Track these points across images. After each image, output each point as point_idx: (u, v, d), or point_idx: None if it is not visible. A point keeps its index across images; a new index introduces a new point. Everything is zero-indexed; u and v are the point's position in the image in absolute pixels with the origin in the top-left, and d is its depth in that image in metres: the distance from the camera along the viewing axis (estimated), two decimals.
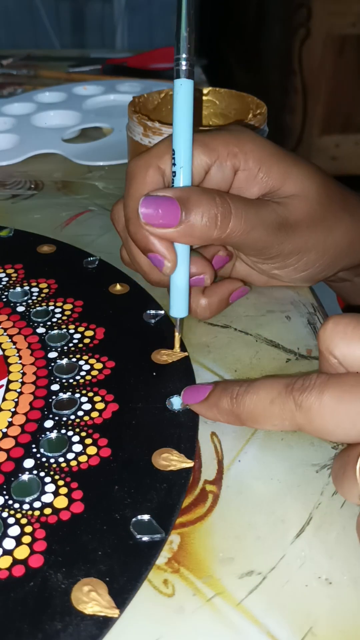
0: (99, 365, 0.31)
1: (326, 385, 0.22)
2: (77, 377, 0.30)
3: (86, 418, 0.28)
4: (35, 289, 0.37)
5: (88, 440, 0.27)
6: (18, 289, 0.37)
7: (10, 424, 0.28)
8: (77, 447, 0.27)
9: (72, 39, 1.83)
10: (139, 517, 0.24)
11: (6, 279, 0.38)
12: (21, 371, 0.31)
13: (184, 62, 0.29)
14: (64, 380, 0.30)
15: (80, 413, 0.28)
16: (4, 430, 0.27)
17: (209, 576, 0.22)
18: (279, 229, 0.30)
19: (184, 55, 0.29)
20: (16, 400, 0.29)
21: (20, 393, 0.29)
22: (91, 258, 0.40)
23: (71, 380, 0.30)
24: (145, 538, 0.23)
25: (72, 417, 0.28)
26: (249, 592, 0.21)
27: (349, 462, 0.22)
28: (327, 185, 0.32)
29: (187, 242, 0.29)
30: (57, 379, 0.30)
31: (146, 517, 0.24)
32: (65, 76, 0.82)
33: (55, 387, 0.30)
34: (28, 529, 0.23)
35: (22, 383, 0.30)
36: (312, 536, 0.23)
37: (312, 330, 0.34)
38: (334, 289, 0.43)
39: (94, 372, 0.31)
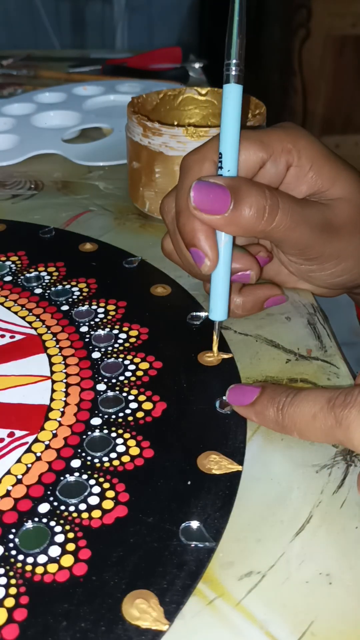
0: (145, 365, 0.31)
1: None
2: (122, 377, 0.31)
3: (131, 418, 0.28)
4: (75, 289, 0.37)
5: (131, 442, 0.27)
6: (59, 287, 0.37)
7: (60, 424, 0.28)
8: (122, 448, 0.26)
9: (72, 39, 1.83)
10: (188, 523, 0.23)
11: (48, 277, 0.39)
12: (64, 371, 0.31)
13: (234, 68, 0.29)
14: (109, 380, 0.30)
15: (127, 411, 0.28)
16: (54, 431, 0.27)
17: (209, 581, 0.22)
18: (322, 230, 0.31)
19: (234, 61, 0.29)
20: (64, 399, 0.29)
21: (67, 394, 0.29)
22: (132, 258, 0.40)
23: (116, 380, 0.30)
24: (194, 545, 0.22)
25: (121, 414, 0.28)
26: (248, 591, 0.21)
27: None
28: None
29: (233, 232, 0.30)
30: (103, 378, 0.30)
31: (195, 523, 0.23)
32: (65, 76, 0.82)
33: (101, 386, 0.30)
34: (71, 535, 0.23)
35: (67, 384, 0.30)
36: (312, 535, 0.23)
37: (312, 330, 0.34)
38: (357, 302, 0.43)
39: (140, 373, 0.31)
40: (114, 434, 0.27)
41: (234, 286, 0.34)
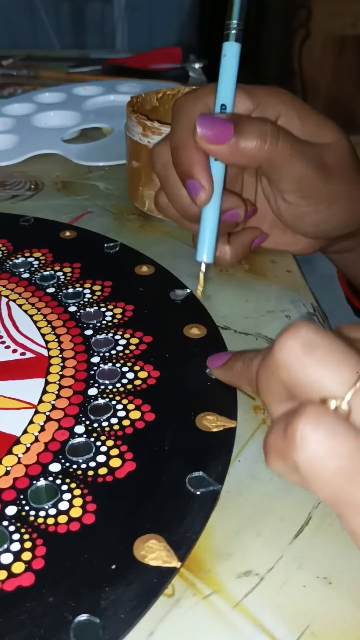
0: (135, 340, 0.33)
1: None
2: (114, 351, 0.32)
3: (129, 386, 0.29)
4: (60, 273, 0.39)
5: (131, 406, 0.28)
6: (46, 272, 0.38)
7: (58, 396, 0.29)
8: (122, 413, 0.28)
9: (72, 39, 1.83)
10: (193, 474, 0.25)
11: (36, 263, 0.40)
12: (59, 348, 0.32)
13: (234, 27, 0.31)
14: (103, 354, 0.31)
15: (124, 381, 0.30)
16: (52, 402, 0.29)
17: (207, 570, 0.22)
18: (317, 167, 0.32)
19: (234, 21, 0.31)
20: (60, 373, 0.30)
21: (64, 367, 0.31)
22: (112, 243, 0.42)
23: (110, 354, 0.32)
24: (201, 491, 0.24)
25: (118, 385, 0.29)
26: (246, 593, 0.21)
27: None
28: (352, 144, 0.34)
29: (238, 160, 0.31)
30: (97, 353, 0.31)
31: (199, 473, 0.25)
32: (65, 76, 0.82)
33: (95, 359, 0.31)
34: (77, 492, 0.24)
35: (63, 359, 0.31)
36: (311, 536, 0.23)
37: None
38: (335, 261, 0.45)
39: (132, 347, 0.32)
40: (115, 401, 0.29)
41: (223, 237, 0.35)
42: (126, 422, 0.27)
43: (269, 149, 0.30)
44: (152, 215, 0.46)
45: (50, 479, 0.25)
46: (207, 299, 0.37)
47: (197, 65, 0.86)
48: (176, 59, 0.87)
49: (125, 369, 0.31)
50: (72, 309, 0.35)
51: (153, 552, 0.22)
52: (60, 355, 0.31)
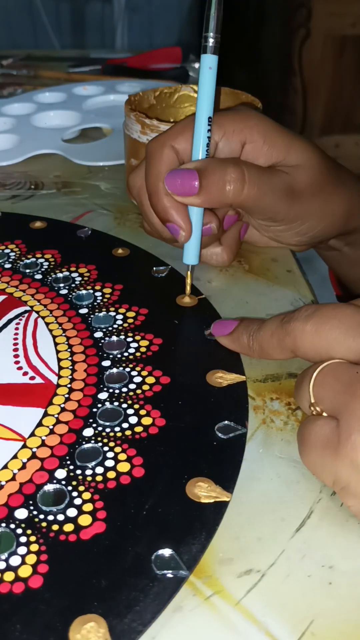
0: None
1: (310, 317, 0.26)
2: (124, 389, 0.30)
3: (128, 432, 0.27)
4: (98, 293, 0.37)
5: (142, 412, 0.28)
6: (83, 291, 0.37)
7: (51, 432, 0.27)
8: (134, 419, 0.28)
9: (72, 39, 1.83)
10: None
11: (79, 279, 0.38)
12: (70, 377, 0.30)
13: (211, 40, 0.32)
14: (113, 390, 0.30)
15: (124, 425, 0.28)
16: (43, 438, 0.27)
17: (209, 576, 0.22)
18: (287, 195, 0.34)
19: (211, 34, 0.32)
20: (62, 405, 0.29)
21: (68, 399, 0.29)
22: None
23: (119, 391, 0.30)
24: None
25: (117, 429, 0.27)
26: (247, 590, 0.21)
27: (307, 374, 0.25)
28: (325, 159, 0.36)
29: (206, 206, 0.34)
30: (107, 388, 0.30)
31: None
32: (65, 76, 0.82)
33: (103, 395, 0.29)
34: (86, 495, 0.24)
35: (70, 389, 0.30)
36: (312, 533, 0.23)
37: None
38: (324, 258, 0.47)
39: (143, 349, 0.32)
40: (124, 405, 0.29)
41: (213, 240, 0.37)
42: (111, 474, 0.25)
43: (234, 196, 0.32)
44: None
45: (13, 525, 0.23)
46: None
47: (197, 65, 0.86)
48: (176, 59, 0.87)
49: (130, 411, 0.28)
50: (98, 334, 0.33)
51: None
52: (69, 386, 0.30)
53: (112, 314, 0.35)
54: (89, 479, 0.25)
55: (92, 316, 0.35)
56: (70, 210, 0.47)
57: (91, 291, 0.37)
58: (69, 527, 0.23)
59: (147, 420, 0.28)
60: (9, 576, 0.21)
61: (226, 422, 0.27)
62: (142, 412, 0.28)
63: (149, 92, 0.48)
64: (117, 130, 0.61)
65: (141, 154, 0.43)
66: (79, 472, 0.25)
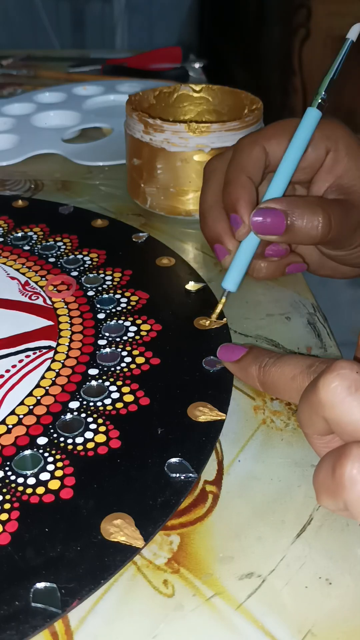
0: (146, 327, 0.34)
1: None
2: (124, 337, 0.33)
3: (125, 370, 0.31)
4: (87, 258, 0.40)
5: (125, 389, 0.29)
6: (72, 256, 0.40)
7: (58, 374, 0.30)
8: (116, 395, 0.29)
9: (72, 39, 1.83)
10: (173, 459, 0.25)
11: (63, 247, 0.42)
12: (69, 326, 0.34)
13: (321, 98, 0.34)
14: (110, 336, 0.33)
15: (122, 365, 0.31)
16: (53, 379, 0.30)
17: (209, 574, 0.22)
18: (358, 226, 0.34)
19: (323, 93, 0.34)
20: (66, 352, 0.32)
21: (70, 348, 0.32)
22: (141, 233, 0.43)
23: (118, 339, 0.33)
24: (177, 477, 0.25)
25: (117, 368, 0.31)
26: (248, 595, 0.21)
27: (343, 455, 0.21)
28: None
29: (291, 242, 0.34)
30: (105, 335, 0.33)
31: (178, 459, 0.25)
32: (65, 76, 0.82)
33: (102, 342, 0.32)
34: (59, 464, 0.26)
35: (71, 340, 0.33)
36: (313, 537, 0.23)
37: (312, 329, 0.34)
38: None
39: (143, 333, 0.33)
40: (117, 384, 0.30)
41: (259, 252, 0.36)
42: (119, 405, 0.29)
43: (321, 239, 0.32)
44: (153, 212, 0.46)
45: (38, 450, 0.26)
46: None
47: (197, 65, 0.86)
48: (176, 59, 0.87)
49: (124, 353, 0.32)
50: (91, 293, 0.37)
51: (119, 530, 0.22)
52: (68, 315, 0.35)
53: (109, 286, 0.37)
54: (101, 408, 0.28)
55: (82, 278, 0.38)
56: None
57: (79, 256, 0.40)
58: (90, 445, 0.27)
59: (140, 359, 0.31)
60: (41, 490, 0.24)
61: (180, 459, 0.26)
62: (136, 352, 0.32)
63: (149, 91, 0.48)
64: (117, 130, 0.61)
65: (144, 153, 0.43)
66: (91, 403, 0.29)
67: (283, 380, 0.26)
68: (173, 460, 0.26)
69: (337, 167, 0.34)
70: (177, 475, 0.25)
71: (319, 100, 0.34)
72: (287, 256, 0.37)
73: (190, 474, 0.25)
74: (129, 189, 0.47)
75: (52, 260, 0.40)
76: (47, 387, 0.30)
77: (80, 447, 0.26)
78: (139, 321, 0.34)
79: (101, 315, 0.34)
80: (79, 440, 0.27)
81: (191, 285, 0.37)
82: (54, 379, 0.30)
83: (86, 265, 0.39)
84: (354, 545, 0.23)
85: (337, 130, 0.34)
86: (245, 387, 0.30)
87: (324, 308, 0.37)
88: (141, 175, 0.45)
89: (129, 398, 0.29)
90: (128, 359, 0.31)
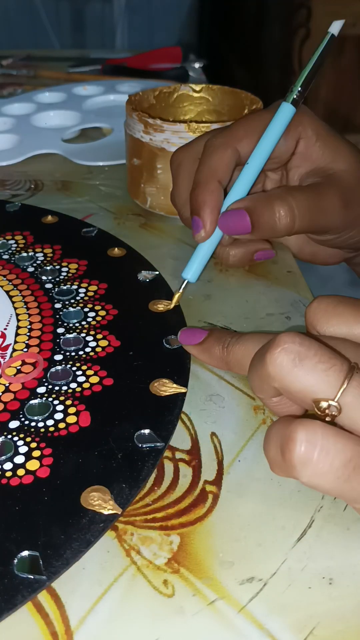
0: (102, 312, 0.35)
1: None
2: (82, 323, 0.34)
3: (92, 353, 0.32)
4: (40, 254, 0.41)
5: (89, 372, 0.30)
6: (24, 253, 0.41)
7: (24, 363, 0.31)
8: (83, 378, 0.30)
9: (72, 39, 1.83)
10: (141, 431, 0.27)
11: (15, 245, 0.42)
12: (28, 320, 0.34)
13: (297, 92, 0.34)
14: (70, 324, 0.34)
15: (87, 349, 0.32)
16: (18, 367, 0.31)
17: (209, 578, 0.22)
18: (340, 207, 0.34)
19: (299, 88, 0.34)
20: (26, 342, 0.33)
21: (29, 337, 0.33)
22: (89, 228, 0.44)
23: (77, 325, 0.34)
24: (146, 446, 0.26)
25: (80, 353, 0.32)
26: (250, 598, 0.21)
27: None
28: None
29: (263, 238, 0.35)
30: (65, 324, 0.34)
31: (147, 430, 0.27)
32: (65, 76, 0.82)
33: (60, 330, 0.33)
34: (34, 444, 0.26)
35: (30, 329, 0.34)
36: (314, 539, 0.23)
37: None
38: (356, 272, 0.46)
39: (99, 318, 0.34)
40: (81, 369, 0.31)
41: (227, 239, 0.36)
42: (87, 385, 0.30)
43: (287, 231, 0.33)
44: (154, 212, 0.46)
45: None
46: (207, 298, 0.37)
47: (197, 65, 0.86)
48: (176, 59, 0.87)
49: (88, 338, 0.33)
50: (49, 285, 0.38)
51: (96, 501, 0.24)
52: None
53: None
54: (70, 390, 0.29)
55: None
56: (70, 210, 0.47)
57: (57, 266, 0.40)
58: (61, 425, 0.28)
59: (103, 343, 0.33)
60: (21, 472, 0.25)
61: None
62: (99, 336, 0.33)
63: (149, 91, 0.48)
64: (117, 130, 0.61)
65: (144, 153, 0.43)
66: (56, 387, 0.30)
67: (247, 356, 0.27)
68: (142, 431, 0.27)
69: (309, 153, 0.35)
70: (146, 445, 0.26)
71: (294, 96, 0.34)
72: (255, 243, 0.37)
73: (158, 443, 0.26)
74: (129, 189, 0.47)
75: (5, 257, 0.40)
76: (13, 375, 0.30)
77: (52, 429, 0.27)
78: (98, 307, 0.35)
79: (58, 305, 0.35)
80: (50, 422, 0.28)
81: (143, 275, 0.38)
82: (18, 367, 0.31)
83: (39, 262, 0.40)
84: (356, 546, 0.23)
85: (304, 117, 0.35)
86: (245, 387, 0.30)
87: None
88: (141, 175, 0.45)
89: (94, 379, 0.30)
90: (93, 344, 0.33)
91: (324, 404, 0.21)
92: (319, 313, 0.24)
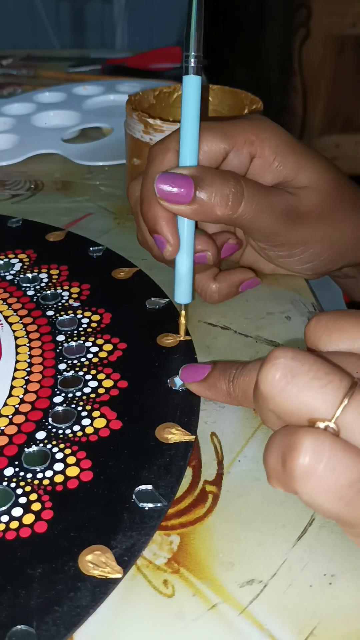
0: (108, 347, 0.33)
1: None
2: (83, 359, 0.32)
3: (93, 395, 0.29)
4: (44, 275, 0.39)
5: (96, 413, 0.28)
6: (29, 274, 0.39)
7: (22, 401, 0.29)
8: (86, 421, 0.28)
9: (72, 39, 1.82)
10: (142, 487, 0.25)
11: (19, 264, 0.40)
12: (28, 353, 0.32)
13: (192, 60, 0.30)
14: (71, 361, 0.32)
15: (87, 390, 0.30)
16: (16, 406, 0.29)
17: (210, 579, 0.22)
18: (288, 217, 0.31)
19: (193, 53, 0.30)
20: (26, 378, 0.30)
21: (30, 372, 0.31)
22: (97, 247, 0.42)
23: (78, 361, 0.32)
24: (148, 506, 0.24)
25: (79, 393, 0.30)
26: (250, 600, 0.21)
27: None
28: (340, 181, 0.33)
29: (198, 219, 0.30)
30: (65, 359, 0.32)
31: (149, 487, 0.25)
32: (65, 76, 0.82)
33: (62, 366, 0.31)
34: (33, 496, 0.24)
35: (30, 364, 0.31)
36: (314, 539, 0.23)
37: None
38: (338, 284, 0.44)
39: (103, 354, 0.32)
40: (79, 408, 0.29)
41: (209, 273, 0.35)
42: (90, 430, 0.28)
43: (231, 210, 0.29)
44: None
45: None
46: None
47: None
48: (176, 59, 0.87)
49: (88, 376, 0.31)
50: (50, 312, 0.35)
51: (98, 564, 0.22)
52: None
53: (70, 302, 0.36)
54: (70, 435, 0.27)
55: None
56: (69, 210, 0.47)
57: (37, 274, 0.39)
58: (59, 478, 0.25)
59: (108, 383, 0.30)
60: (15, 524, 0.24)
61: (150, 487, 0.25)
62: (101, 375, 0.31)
63: (149, 91, 0.48)
64: (117, 130, 0.61)
65: (144, 153, 0.43)
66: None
67: (253, 387, 0.24)
68: (143, 488, 0.25)
69: (266, 174, 0.32)
70: (147, 505, 0.24)
71: (192, 64, 0.30)
72: (238, 273, 0.35)
73: (159, 504, 0.24)
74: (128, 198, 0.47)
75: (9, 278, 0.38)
76: (10, 416, 0.28)
77: (46, 482, 0.25)
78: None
79: (60, 337, 0.33)
80: (49, 474, 0.25)
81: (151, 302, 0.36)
82: (16, 405, 0.29)
83: (43, 284, 0.37)
84: (356, 545, 0.23)
85: (263, 132, 0.31)
86: None
87: (325, 307, 0.37)
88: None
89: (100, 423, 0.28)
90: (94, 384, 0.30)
91: (320, 425, 0.19)
92: (319, 330, 0.22)
